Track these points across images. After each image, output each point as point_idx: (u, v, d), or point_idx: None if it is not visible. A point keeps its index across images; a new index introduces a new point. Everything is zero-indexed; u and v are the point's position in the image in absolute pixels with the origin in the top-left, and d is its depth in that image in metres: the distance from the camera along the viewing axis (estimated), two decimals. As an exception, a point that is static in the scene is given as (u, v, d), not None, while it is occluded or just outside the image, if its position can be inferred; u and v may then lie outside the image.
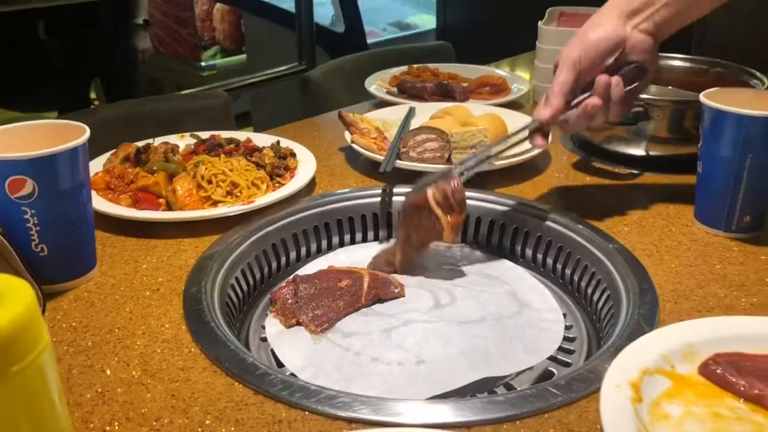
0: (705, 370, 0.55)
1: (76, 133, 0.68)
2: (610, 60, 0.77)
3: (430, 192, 0.75)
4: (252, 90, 2.50)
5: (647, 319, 0.65)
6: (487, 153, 0.81)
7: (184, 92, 1.99)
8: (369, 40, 3.04)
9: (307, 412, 0.53)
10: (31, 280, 0.63)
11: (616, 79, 0.76)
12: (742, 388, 0.52)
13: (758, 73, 1.09)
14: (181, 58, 4.22)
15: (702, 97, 0.78)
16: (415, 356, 0.67)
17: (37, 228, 0.66)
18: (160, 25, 4.10)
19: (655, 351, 0.55)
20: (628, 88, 0.77)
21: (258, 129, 1.18)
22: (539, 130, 0.81)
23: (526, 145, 0.97)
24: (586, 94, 0.77)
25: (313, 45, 2.40)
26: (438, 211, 0.75)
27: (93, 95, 3.00)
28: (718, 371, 0.54)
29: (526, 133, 0.81)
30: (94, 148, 0.93)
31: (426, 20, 3.76)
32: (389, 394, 0.61)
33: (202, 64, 4.16)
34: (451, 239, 0.77)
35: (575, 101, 0.77)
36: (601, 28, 0.77)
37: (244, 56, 4.03)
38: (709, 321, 0.60)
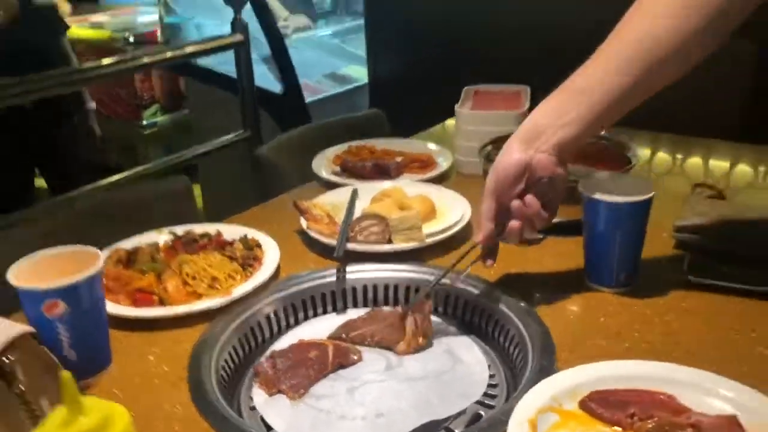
0: (583, 405, 0.76)
1: (92, 258, 0.86)
2: (521, 183, 0.91)
3: (409, 318, 0.97)
4: (199, 160, 2.66)
5: (546, 368, 0.86)
6: (446, 270, 1.01)
7: (141, 168, 2.15)
8: (307, 98, 3.23)
9: (299, 467, 0.72)
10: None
11: (528, 199, 0.91)
12: (608, 417, 0.74)
13: (633, 145, 1.34)
14: (122, 118, 4.33)
15: (579, 187, 1.01)
16: (375, 411, 0.86)
17: (68, 338, 0.83)
18: (100, 86, 4.20)
19: (547, 393, 0.77)
20: (544, 200, 0.92)
21: (215, 207, 1.36)
22: (487, 251, 0.98)
23: (453, 219, 1.19)
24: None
25: (256, 111, 2.59)
26: (409, 331, 0.96)
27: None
28: (592, 406, 0.75)
29: (472, 257, 0.99)
30: (74, 240, 1.09)
31: (358, 72, 4.00)
32: None
33: (144, 122, 4.29)
34: (403, 353, 0.97)
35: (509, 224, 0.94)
36: (507, 156, 0.91)
37: (185, 111, 4.17)
38: (589, 367, 0.82)
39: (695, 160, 1.62)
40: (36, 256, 0.87)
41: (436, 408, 0.86)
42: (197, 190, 2.86)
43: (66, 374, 0.51)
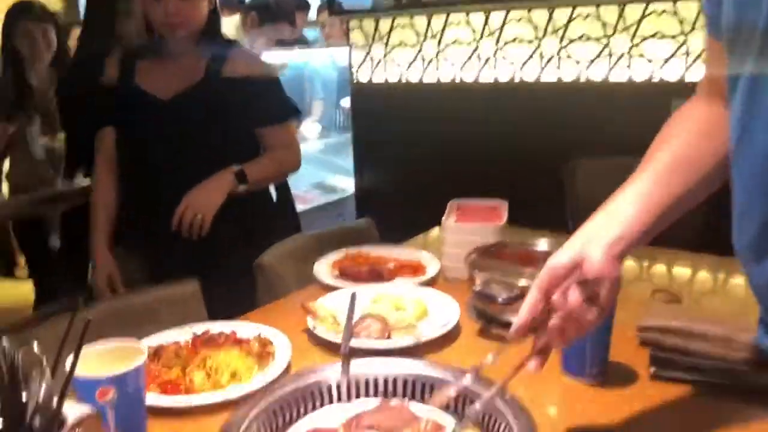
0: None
1: (137, 352, 0.99)
2: (570, 279, 0.88)
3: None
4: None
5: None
6: (499, 387, 0.99)
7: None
8: (298, 207, 3.42)
9: None
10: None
11: (570, 293, 0.87)
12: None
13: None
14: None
15: (554, 290, 1.18)
16: None
17: (115, 421, 0.95)
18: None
19: None
20: (591, 297, 0.88)
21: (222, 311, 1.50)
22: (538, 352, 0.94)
23: (444, 320, 1.34)
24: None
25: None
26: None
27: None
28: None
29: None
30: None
31: (345, 182, 4.25)
32: None
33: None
34: None
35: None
36: (560, 252, 0.90)
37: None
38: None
39: (659, 267, 1.81)
40: (90, 348, 1.00)
41: None
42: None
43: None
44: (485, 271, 1.43)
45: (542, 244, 1.57)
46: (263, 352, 1.25)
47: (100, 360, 0.98)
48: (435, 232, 2.09)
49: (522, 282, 1.38)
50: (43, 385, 0.79)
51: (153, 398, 1.11)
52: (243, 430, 1.08)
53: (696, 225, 2.08)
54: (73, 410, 0.84)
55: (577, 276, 0.89)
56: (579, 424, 1.06)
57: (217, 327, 1.36)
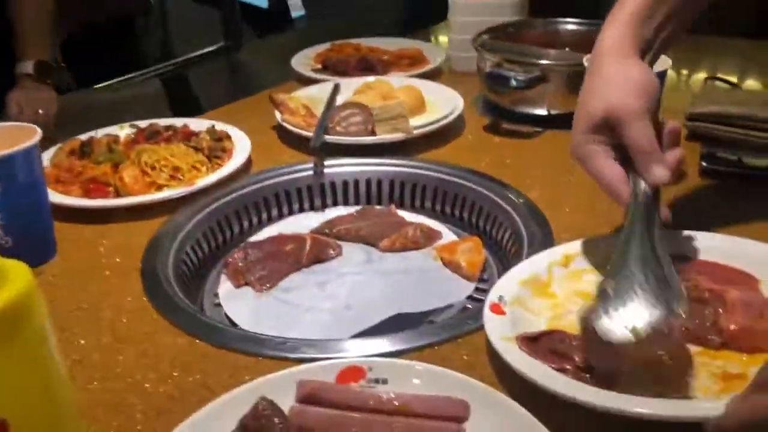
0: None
1: (29, 134, 0.75)
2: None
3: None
4: (180, 70, 2.52)
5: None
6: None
7: (118, 80, 2.01)
8: (294, 13, 3.07)
9: (260, 357, 0.63)
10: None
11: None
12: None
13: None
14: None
15: (585, 61, 0.90)
16: (344, 303, 0.78)
17: (2, 222, 0.73)
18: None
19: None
20: None
21: (189, 111, 1.24)
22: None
23: (443, 112, 1.08)
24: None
25: (238, 22, 2.43)
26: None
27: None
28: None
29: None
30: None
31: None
32: (321, 334, 0.72)
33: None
34: (386, 249, 0.88)
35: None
36: (641, 67, 0.68)
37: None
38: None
39: (708, 58, 1.50)
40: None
41: (413, 302, 0.77)
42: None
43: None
44: (499, 54, 1.15)
45: (569, 24, 1.27)
46: (216, 147, 1.01)
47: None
48: (443, 24, 1.76)
49: (543, 62, 1.10)
50: None
51: (70, 200, 0.89)
52: (183, 237, 0.87)
53: (749, 12, 1.77)
54: None
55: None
56: (608, 229, 0.82)
57: (166, 122, 1.11)
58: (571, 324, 0.63)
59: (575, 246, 0.73)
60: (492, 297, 0.65)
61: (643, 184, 0.66)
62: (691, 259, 0.69)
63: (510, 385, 0.56)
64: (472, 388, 0.53)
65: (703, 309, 0.60)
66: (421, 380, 0.55)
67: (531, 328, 0.61)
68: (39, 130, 0.76)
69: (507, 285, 0.67)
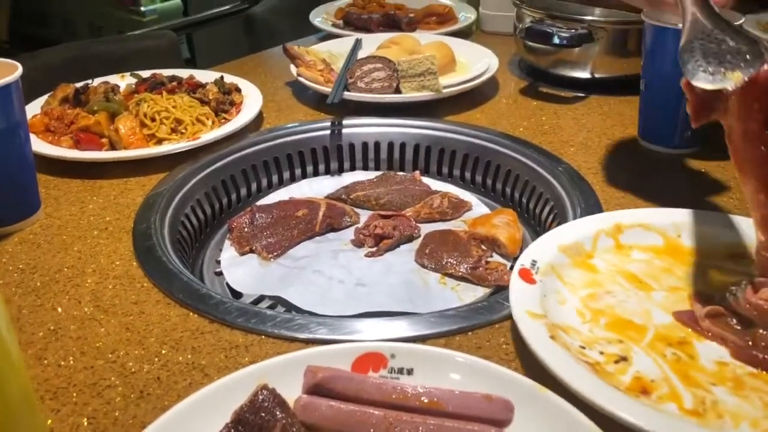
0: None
1: (8, 71, 0.66)
2: None
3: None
4: (194, 30, 2.42)
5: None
6: None
7: (128, 34, 1.91)
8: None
9: (263, 336, 0.54)
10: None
11: None
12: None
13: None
14: (122, 4, 4.05)
15: (643, 16, 0.79)
16: (357, 279, 0.68)
17: (-26, 168, 0.64)
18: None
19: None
20: None
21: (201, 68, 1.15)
22: None
23: (475, 72, 0.97)
24: None
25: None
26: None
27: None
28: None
29: None
30: (35, 91, 0.91)
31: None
32: (323, 305, 0.63)
33: (142, 9, 4.01)
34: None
35: None
36: None
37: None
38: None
39: None
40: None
41: (430, 299, 0.66)
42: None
43: None
44: (540, 9, 1.03)
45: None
46: (224, 100, 0.91)
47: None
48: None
49: (590, 17, 0.99)
50: None
51: (58, 150, 0.80)
52: (183, 197, 0.77)
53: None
54: None
55: None
56: (656, 202, 0.72)
57: (170, 72, 1.01)
58: (605, 309, 0.53)
59: (630, 215, 0.63)
60: (524, 260, 0.55)
61: None
62: None
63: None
64: (517, 386, 0.43)
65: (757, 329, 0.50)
66: (455, 372, 0.45)
67: (560, 306, 0.52)
68: (19, 66, 0.66)
69: (544, 249, 0.57)
